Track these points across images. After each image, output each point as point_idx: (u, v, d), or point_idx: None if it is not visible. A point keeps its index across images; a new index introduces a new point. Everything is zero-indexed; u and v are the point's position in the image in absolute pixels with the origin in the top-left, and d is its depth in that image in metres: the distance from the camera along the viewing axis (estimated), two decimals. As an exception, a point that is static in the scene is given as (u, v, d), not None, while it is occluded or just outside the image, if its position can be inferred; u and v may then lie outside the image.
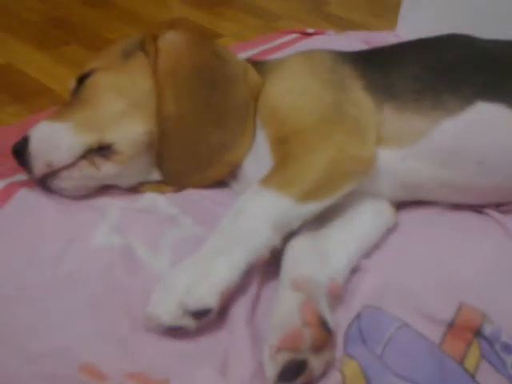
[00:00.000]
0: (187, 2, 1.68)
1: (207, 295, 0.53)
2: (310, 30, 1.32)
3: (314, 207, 0.62)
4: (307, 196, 0.61)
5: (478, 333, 0.56)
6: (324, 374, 0.52)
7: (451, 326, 0.57)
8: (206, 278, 0.54)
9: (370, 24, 1.57)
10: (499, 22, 1.14)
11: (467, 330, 0.56)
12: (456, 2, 1.25)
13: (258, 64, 0.81)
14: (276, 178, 0.62)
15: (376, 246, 0.68)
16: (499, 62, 0.74)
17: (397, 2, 1.39)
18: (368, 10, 1.71)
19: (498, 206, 0.74)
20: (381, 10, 1.70)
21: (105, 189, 0.74)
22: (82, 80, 0.74)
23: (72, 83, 0.76)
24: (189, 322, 0.53)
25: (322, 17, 1.65)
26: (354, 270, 0.64)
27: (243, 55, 1.03)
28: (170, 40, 0.76)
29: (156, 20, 1.52)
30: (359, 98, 0.71)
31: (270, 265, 0.61)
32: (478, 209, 0.74)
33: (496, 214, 0.72)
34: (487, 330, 0.56)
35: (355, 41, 1.20)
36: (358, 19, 1.63)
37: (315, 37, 1.28)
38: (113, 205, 0.71)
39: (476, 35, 0.80)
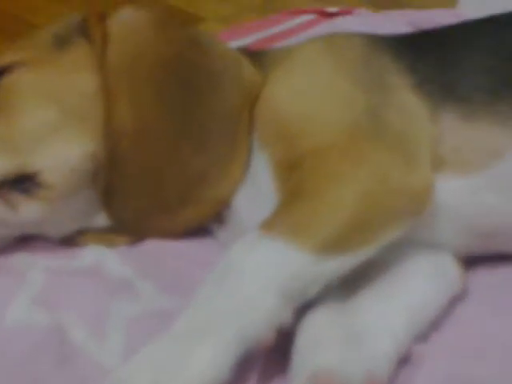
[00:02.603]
0: (152, -27, 1.71)
1: (181, 401, 0.53)
2: (333, 9, 1.34)
3: (340, 264, 0.61)
4: (331, 248, 0.61)
5: None
6: None
7: None
8: (177, 374, 0.53)
9: (419, 1, 1.60)
10: None
11: None
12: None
13: (256, 55, 0.83)
14: (284, 221, 0.62)
15: (435, 324, 0.67)
16: None
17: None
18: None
19: None
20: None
21: (25, 240, 0.74)
22: (-7, 80, 0.76)
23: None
24: None
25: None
26: (403, 359, 0.63)
27: (234, 44, 1.04)
28: (126, 21, 0.77)
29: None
30: (406, 101, 0.72)
31: (275, 351, 0.60)
32: None
33: None
34: None
35: (399, 22, 1.22)
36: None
37: (340, 18, 1.31)
38: (37, 265, 0.71)
39: None
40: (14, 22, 1.37)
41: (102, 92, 0.73)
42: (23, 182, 0.70)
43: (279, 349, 0.60)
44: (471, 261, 0.74)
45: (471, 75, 0.73)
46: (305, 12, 1.35)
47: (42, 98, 0.73)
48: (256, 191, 0.73)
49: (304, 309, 0.61)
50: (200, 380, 0.53)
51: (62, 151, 0.71)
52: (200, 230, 0.77)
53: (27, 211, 0.70)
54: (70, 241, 0.76)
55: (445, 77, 0.74)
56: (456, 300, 0.70)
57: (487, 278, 0.73)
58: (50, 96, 0.73)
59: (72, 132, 0.72)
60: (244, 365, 0.57)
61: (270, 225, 0.61)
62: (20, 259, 0.72)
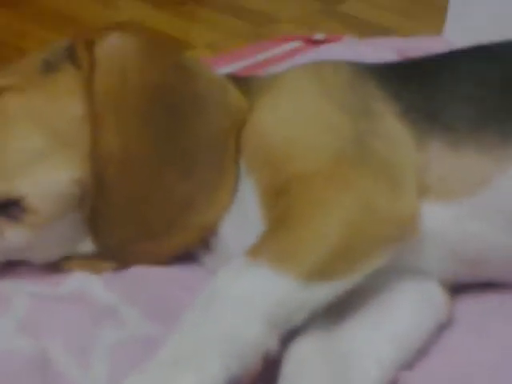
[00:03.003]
0: (142, -1, 1.72)
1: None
2: (319, 36, 1.35)
3: (326, 291, 0.61)
4: (316, 275, 0.60)
5: None
6: None
7: None
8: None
9: (405, 29, 1.62)
10: None
11: None
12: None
13: (242, 81, 0.83)
14: (270, 247, 0.62)
15: (421, 352, 0.67)
16: None
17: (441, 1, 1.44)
18: (401, 10, 1.76)
19: None
20: (420, 9, 1.76)
21: (9, 266, 0.73)
22: (-20, 105, 0.75)
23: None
24: None
25: (336, 19, 1.69)
26: (391, 387, 0.63)
27: (222, 71, 1.05)
28: (113, 46, 0.77)
29: (95, 24, 1.55)
30: (392, 129, 0.72)
31: (261, 379, 0.59)
32: None
33: None
34: None
35: (385, 50, 1.22)
36: (388, 22, 1.68)
37: (326, 45, 1.32)
38: (21, 290, 0.70)
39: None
40: (2, 47, 1.37)
41: (88, 118, 0.72)
42: (9, 207, 0.70)
43: (265, 377, 0.60)
44: (457, 288, 0.74)
45: (457, 104, 0.74)
46: (292, 39, 1.36)
47: (29, 123, 0.72)
48: (243, 217, 0.73)
49: (290, 335, 0.61)
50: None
51: (48, 176, 0.71)
52: (186, 255, 0.76)
53: (13, 236, 0.70)
54: (55, 266, 0.75)
55: (430, 105, 0.74)
56: (442, 327, 0.70)
57: (473, 306, 0.73)
58: (37, 121, 0.73)
59: (58, 157, 0.71)
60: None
61: (256, 251, 0.61)
62: (5, 284, 0.71)
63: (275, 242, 0.62)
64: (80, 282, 0.73)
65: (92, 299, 0.71)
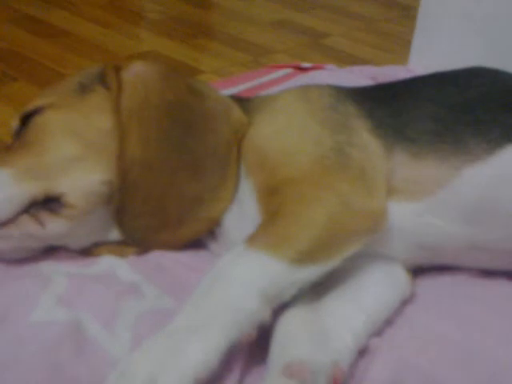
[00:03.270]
0: (160, 33, 1.71)
1: (176, 386, 0.51)
2: (307, 65, 1.35)
3: (311, 272, 0.61)
4: (303, 259, 0.60)
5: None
6: None
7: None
8: (174, 363, 0.52)
9: (378, 59, 1.62)
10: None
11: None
12: (479, 32, 1.30)
13: (243, 101, 0.82)
14: (265, 236, 0.62)
15: (388, 322, 0.67)
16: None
17: (409, 34, 1.44)
18: (374, 44, 1.77)
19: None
20: (390, 43, 1.76)
21: (50, 251, 0.73)
22: (26, 119, 0.75)
23: (15, 123, 0.77)
24: (152, 420, 0.51)
25: (321, 51, 1.69)
26: (362, 352, 0.63)
27: (227, 92, 1.05)
28: (137, 72, 0.77)
29: (122, 54, 1.55)
30: (365, 140, 0.72)
31: (256, 345, 0.60)
32: (514, 276, 0.74)
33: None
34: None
35: (360, 76, 1.23)
36: (364, 54, 1.68)
37: (312, 72, 1.32)
38: (59, 271, 0.70)
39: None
40: (44, 72, 1.37)
41: (116, 130, 0.72)
42: (50, 203, 0.69)
43: (260, 343, 0.60)
44: (419, 270, 0.74)
45: (418, 121, 0.74)
46: (284, 67, 1.36)
47: (66, 135, 0.72)
48: (242, 212, 0.73)
49: (281, 309, 0.61)
50: (193, 370, 0.52)
51: (83, 178, 0.70)
52: (196, 243, 0.76)
53: (53, 227, 0.69)
54: (87, 251, 0.75)
55: (397, 122, 0.74)
56: (405, 302, 0.70)
57: (432, 285, 0.73)
58: (73, 133, 0.72)
59: (91, 162, 0.71)
60: (230, 356, 0.56)
61: (253, 240, 0.61)
62: (46, 266, 0.71)
63: (269, 232, 0.62)
64: (109, 264, 0.73)
65: (118, 278, 0.71)
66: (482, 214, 0.69)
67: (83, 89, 0.77)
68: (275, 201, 0.66)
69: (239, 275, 0.58)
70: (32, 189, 0.68)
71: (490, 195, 0.69)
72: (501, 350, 0.63)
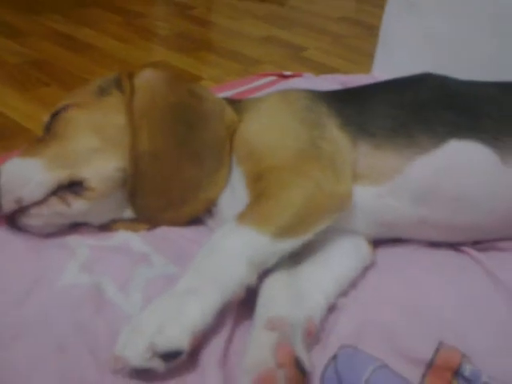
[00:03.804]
0: (169, 47, 1.70)
1: (178, 336, 0.51)
2: (288, 73, 1.34)
3: (290, 244, 0.60)
4: (283, 233, 0.60)
5: (457, 373, 0.54)
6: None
7: (430, 366, 0.55)
8: (177, 318, 0.52)
9: (347, 69, 1.61)
10: (474, 65, 1.17)
11: (446, 370, 0.54)
12: (430, 47, 1.29)
13: (234, 103, 0.81)
14: (251, 214, 0.61)
15: (353, 285, 0.66)
16: (473, 101, 0.75)
17: (372, 48, 1.43)
18: (344, 56, 1.75)
19: (476, 244, 0.74)
20: (357, 56, 1.75)
21: (75, 226, 0.72)
22: (55, 116, 0.73)
23: (46, 119, 0.75)
24: (158, 364, 0.51)
25: (301, 62, 1.68)
26: (331, 309, 0.62)
27: (221, 95, 1.03)
28: (146, 78, 0.76)
29: (136, 63, 1.53)
30: (335, 135, 0.71)
31: (244, 304, 0.59)
32: (455, 247, 0.73)
33: (474, 252, 0.72)
34: (467, 369, 0.54)
35: (332, 82, 1.21)
36: (335, 64, 1.67)
37: (293, 79, 1.30)
38: (83, 243, 0.70)
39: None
40: (73, 79, 1.35)
41: (129, 127, 0.71)
42: (75, 186, 0.68)
43: (247, 302, 0.59)
44: (379, 242, 0.73)
45: (377, 118, 0.73)
46: (269, 75, 1.35)
47: (88, 130, 0.71)
48: (234, 194, 0.72)
49: (264, 274, 0.60)
50: (192, 323, 0.52)
51: (101, 165, 0.69)
52: (197, 220, 0.75)
53: (77, 206, 0.68)
54: (106, 227, 0.74)
55: (360, 119, 0.73)
56: (367, 269, 0.69)
57: (389, 253, 0.72)
58: (93, 128, 0.71)
59: (108, 153, 0.70)
60: (223, 313, 0.56)
61: (242, 218, 0.60)
62: (71, 239, 0.70)
63: (255, 211, 0.61)
64: (123, 237, 0.72)
65: (132, 249, 0.70)
66: (429, 197, 0.68)
67: (102, 92, 0.75)
68: (260, 185, 0.65)
69: (230, 246, 0.58)
70: (59, 175, 0.67)
71: (435, 181, 0.68)
72: (440, 302, 0.63)
